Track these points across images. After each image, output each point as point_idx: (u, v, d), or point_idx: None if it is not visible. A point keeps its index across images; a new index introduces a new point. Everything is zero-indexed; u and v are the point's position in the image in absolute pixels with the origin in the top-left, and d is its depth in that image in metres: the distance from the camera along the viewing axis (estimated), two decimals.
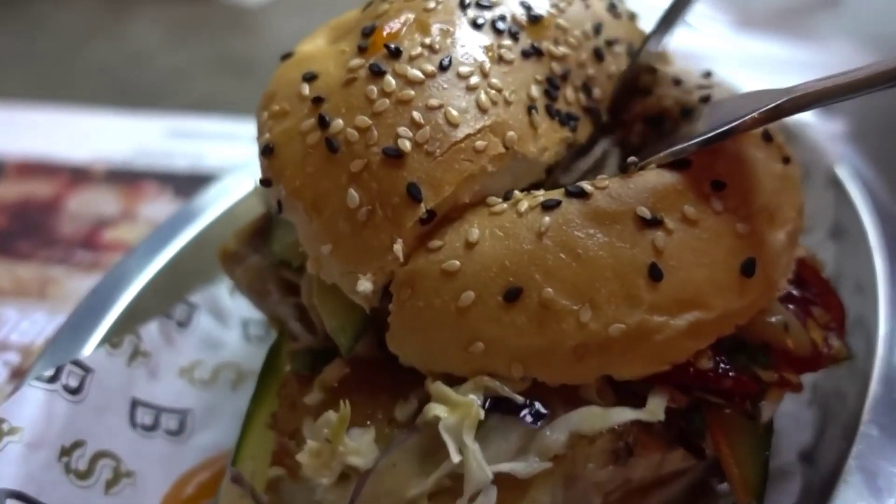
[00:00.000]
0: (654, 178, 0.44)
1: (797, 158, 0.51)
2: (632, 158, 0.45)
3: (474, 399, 0.41)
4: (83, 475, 0.50)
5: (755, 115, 0.42)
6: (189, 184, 0.94)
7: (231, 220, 0.63)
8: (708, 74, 0.55)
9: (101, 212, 0.91)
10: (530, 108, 0.46)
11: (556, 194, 0.44)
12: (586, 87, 0.51)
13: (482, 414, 0.40)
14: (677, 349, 0.42)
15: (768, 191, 0.46)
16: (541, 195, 0.44)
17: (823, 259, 0.58)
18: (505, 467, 0.40)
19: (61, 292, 0.79)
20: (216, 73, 1.23)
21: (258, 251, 0.56)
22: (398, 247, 0.42)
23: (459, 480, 0.40)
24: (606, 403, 0.43)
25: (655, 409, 0.42)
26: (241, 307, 0.65)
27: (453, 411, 0.40)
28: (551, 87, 0.49)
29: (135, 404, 0.56)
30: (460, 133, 0.44)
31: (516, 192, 0.45)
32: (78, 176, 0.97)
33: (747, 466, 0.44)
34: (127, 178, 0.96)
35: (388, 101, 0.44)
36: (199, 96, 1.16)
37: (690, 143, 0.44)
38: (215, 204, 0.68)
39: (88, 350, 0.55)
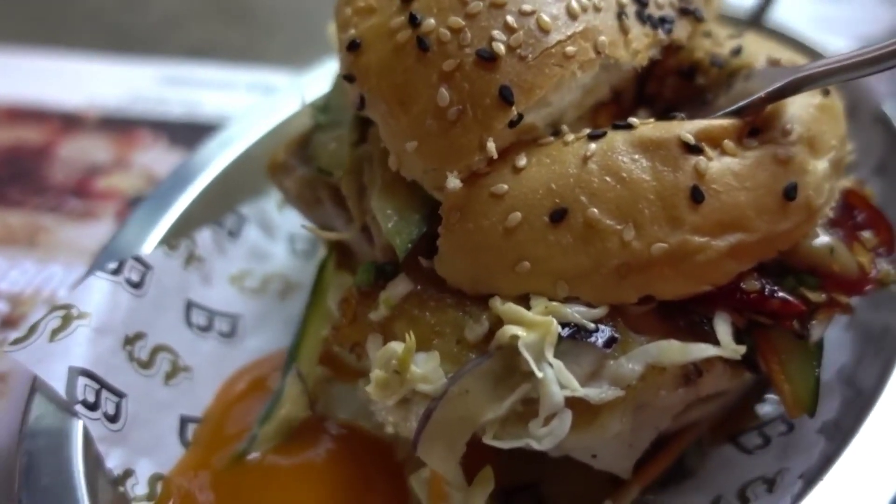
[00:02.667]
0: (697, 121, 0.46)
1: (845, 95, 0.54)
2: (678, 114, 0.48)
3: (551, 318, 0.42)
4: (145, 364, 0.53)
5: (762, 94, 0.46)
6: (184, 132, 0.93)
7: (278, 136, 0.67)
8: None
9: (93, 159, 0.89)
10: (620, 14, 0.48)
11: (603, 129, 0.46)
12: None
13: (560, 330, 0.41)
14: (719, 270, 0.44)
15: (807, 121, 0.48)
16: (587, 131, 0.46)
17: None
18: (580, 392, 0.41)
19: (52, 240, 0.79)
20: (211, 19, 1.21)
21: (306, 163, 0.58)
22: (491, 145, 0.44)
23: (532, 405, 0.41)
24: (665, 331, 0.44)
25: (731, 343, 0.44)
26: (287, 222, 0.68)
27: (531, 330, 0.41)
28: None
29: (190, 305, 0.59)
30: (552, 39, 0.45)
31: (564, 127, 0.47)
32: (70, 122, 0.95)
33: (798, 384, 0.46)
34: (120, 126, 0.95)
35: (481, 3, 0.46)
36: (195, 42, 1.14)
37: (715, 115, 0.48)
38: (262, 120, 0.70)
39: (148, 249, 0.58)
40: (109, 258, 0.55)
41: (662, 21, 0.50)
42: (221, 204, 0.64)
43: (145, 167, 0.87)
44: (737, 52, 0.53)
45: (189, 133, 0.92)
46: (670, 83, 0.55)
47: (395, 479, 0.50)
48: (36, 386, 0.47)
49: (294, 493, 0.49)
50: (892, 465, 0.41)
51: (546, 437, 0.41)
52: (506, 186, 0.44)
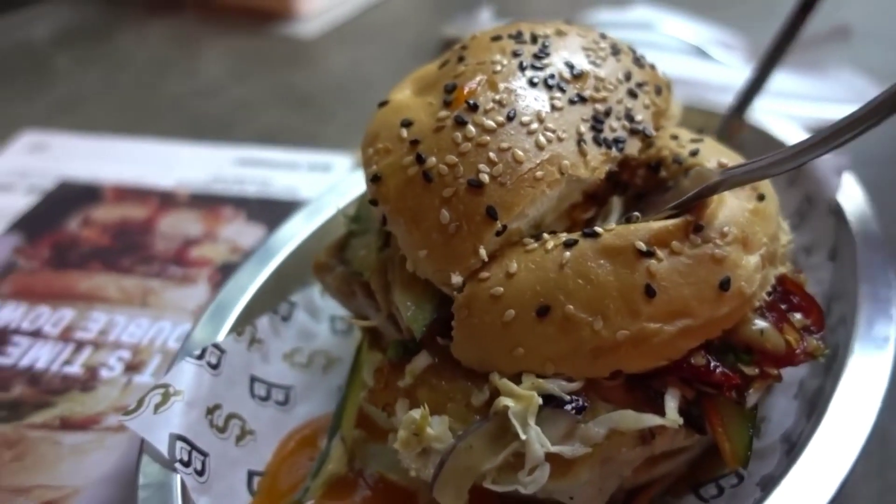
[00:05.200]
0: (649, 224, 0.56)
1: (804, 188, 0.63)
2: (635, 214, 0.59)
3: (534, 392, 0.53)
4: (221, 430, 0.65)
5: (692, 193, 0.57)
6: (259, 207, 1.08)
7: (321, 237, 0.80)
8: (700, 131, 0.68)
9: (187, 232, 1.04)
10: (579, 141, 0.59)
11: (575, 235, 0.56)
12: (629, 116, 0.64)
13: (540, 401, 0.52)
14: (673, 348, 0.54)
15: (741, 224, 0.57)
16: (563, 236, 0.57)
17: (823, 276, 0.69)
18: (555, 449, 0.52)
19: (160, 301, 0.93)
20: (277, 105, 1.37)
21: (343, 263, 0.71)
22: (482, 251, 0.56)
23: (520, 458, 0.52)
24: (629, 401, 0.55)
25: (673, 416, 0.54)
26: (328, 306, 0.80)
27: (518, 401, 0.53)
28: (596, 122, 0.61)
29: (253, 380, 0.71)
30: (525, 167, 0.57)
31: (545, 235, 0.58)
32: (166, 200, 1.11)
33: (735, 441, 0.56)
34: (207, 203, 1.10)
35: (469, 144, 0.58)
36: (263, 127, 1.29)
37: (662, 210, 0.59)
38: (306, 225, 0.83)
39: (221, 337, 0.70)
40: (194, 346, 0.67)
41: (616, 141, 0.61)
42: (276, 294, 0.76)
43: (230, 238, 1.02)
44: (694, 153, 0.64)
45: (263, 208, 1.07)
46: (641, 174, 0.66)
47: None
48: (143, 448, 0.59)
49: None
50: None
51: (531, 483, 0.52)
52: (501, 289, 0.55)
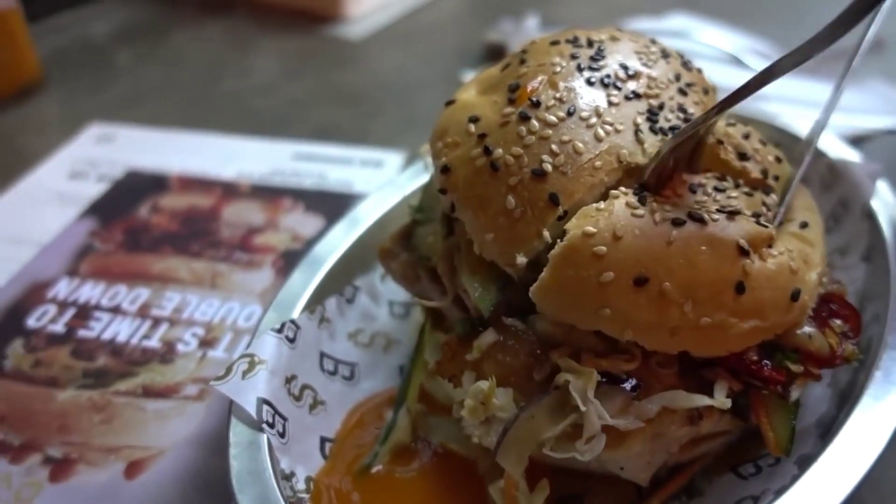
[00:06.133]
0: (746, 223, 0.60)
1: (840, 192, 0.69)
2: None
3: (594, 369, 0.57)
4: (297, 398, 0.71)
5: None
6: (317, 199, 1.14)
7: (384, 225, 0.85)
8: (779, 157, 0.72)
9: (250, 220, 1.10)
10: (636, 132, 0.64)
11: (682, 215, 0.59)
12: (681, 109, 0.68)
13: (600, 378, 0.57)
14: (738, 342, 0.59)
15: (799, 248, 0.63)
16: (670, 211, 0.59)
17: (857, 276, 0.74)
18: (611, 422, 0.57)
19: (228, 284, 0.99)
20: (328, 103, 1.42)
21: (406, 249, 0.76)
22: (546, 234, 0.60)
23: (578, 429, 0.57)
24: (679, 387, 0.60)
25: (723, 399, 0.59)
26: (388, 290, 0.85)
27: (579, 377, 0.57)
28: (651, 114, 0.66)
29: (322, 356, 0.76)
30: (584, 158, 0.62)
31: (653, 204, 0.60)
32: (228, 190, 1.17)
33: (779, 432, 0.61)
34: (267, 194, 1.16)
35: (533, 137, 0.63)
36: (316, 124, 1.35)
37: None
38: (370, 214, 0.89)
39: (296, 314, 0.76)
40: (271, 323, 0.73)
41: (672, 129, 0.65)
42: (342, 279, 0.82)
43: (290, 228, 1.08)
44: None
45: (320, 200, 1.13)
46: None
47: (478, 488, 0.67)
48: (233, 410, 0.65)
49: (405, 495, 0.67)
50: (842, 483, 0.55)
51: (587, 451, 0.57)
52: (605, 249, 0.57)
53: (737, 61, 1.36)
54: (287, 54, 1.62)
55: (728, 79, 1.29)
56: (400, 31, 1.66)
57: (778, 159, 0.71)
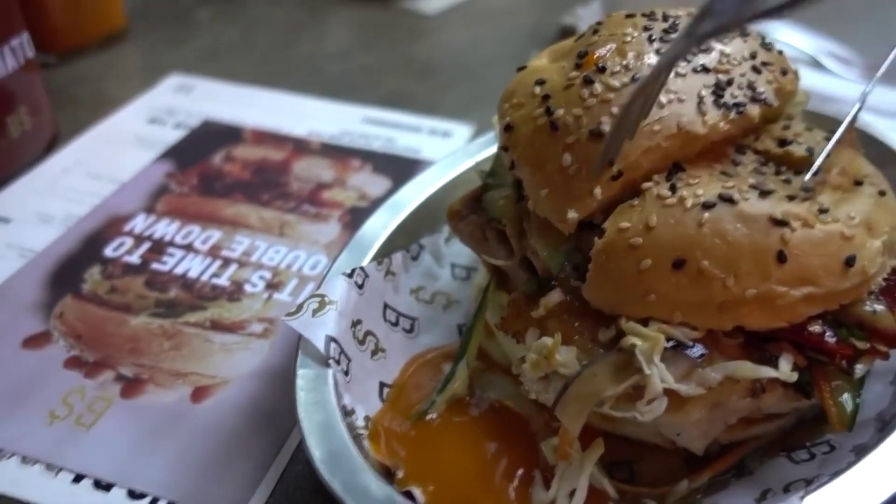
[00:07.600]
0: (781, 202, 0.60)
1: None
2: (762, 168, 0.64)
3: (661, 334, 0.58)
4: (361, 342, 0.73)
5: None
6: (385, 162, 1.15)
7: (452, 189, 0.87)
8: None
9: (319, 176, 1.12)
10: (699, 103, 0.64)
11: (713, 198, 0.60)
12: (751, 86, 0.67)
13: (666, 343, 0.57)
14: (794, 312, 0.59)
15: (867, 212, 0.62)
16: (701, 195, 0.60)
17: None
18: (674, 385, 0.57)
19: (295, 233, 1.02)
20: (400, 74, 1.44)
21: (475, 212, 0.78)
22: (598, 191, 0.62)
23: (639, 390, 0.57)
24: (741, 358, 0.59)
25: (788, 371, 0.59)
26: (451, 253, 0.87)
27: (645, 340, 0.58)
28: (718, 88, 0.66)
29: (385, 306, 0.78)
30: (644, 122, 0.62)
31: (682, 190, 0.61)
32: (299, 146, 1.19)
33: (842, 407, 0.60)
34: (336, 152, 1.18)
35: (595, 100, 0.64)
36: (387, 92, 1.37)
37: None
38: (440, 178, 0.91)
39: (366, 262, 0.79)
40: (343, 267, 0.76)
41: (736, 105, 0.65)
42: (410, 235, 0.84)
43: (358, 186, 1.10)
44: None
45: (388, 162, 1.15)
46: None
47: (529, 444, 0.68)
48: (301, 345, 0.67)
49: (458, 442, 0.69)
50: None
51: (647, 413, 0.57)
52: (640, 240, 0.59)
53: (816, 63, 1.33)
54: (362, 23, 1.64)
55: (807, 80, 1.27)
56: (475, 9, 1.67)
57: (826, 139, 0.70)
